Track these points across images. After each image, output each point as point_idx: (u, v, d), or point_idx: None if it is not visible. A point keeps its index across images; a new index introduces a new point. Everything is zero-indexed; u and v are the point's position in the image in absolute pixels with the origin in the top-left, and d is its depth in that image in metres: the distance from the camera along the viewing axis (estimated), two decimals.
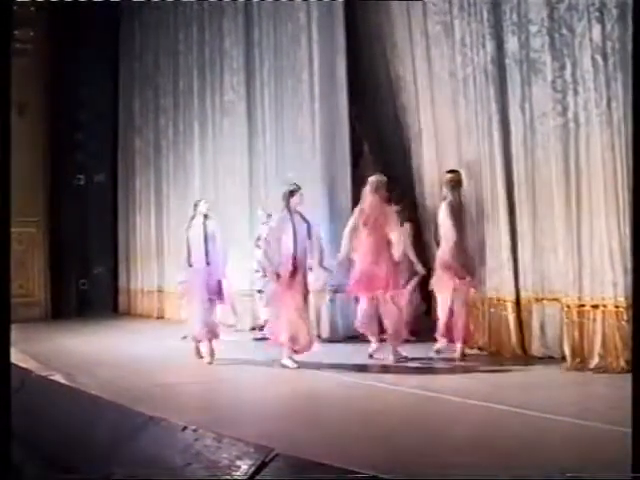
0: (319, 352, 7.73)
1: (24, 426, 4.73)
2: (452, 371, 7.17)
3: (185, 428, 4.15)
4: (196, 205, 8.56)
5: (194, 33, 12.81)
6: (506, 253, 7.73)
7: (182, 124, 13.31)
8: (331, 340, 9.27)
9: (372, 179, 7.87)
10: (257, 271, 9.78)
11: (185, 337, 8.78)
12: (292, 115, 10.59)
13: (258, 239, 9.64)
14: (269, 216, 9.75)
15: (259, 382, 7.19)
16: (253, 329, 10.62)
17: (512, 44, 7.64)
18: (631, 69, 4.98)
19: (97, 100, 14.83)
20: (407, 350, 7.76)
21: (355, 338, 8.76)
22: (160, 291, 13.73)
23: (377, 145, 11.04)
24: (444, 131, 8.73)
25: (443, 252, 7.60)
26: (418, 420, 5.38)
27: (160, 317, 13.60)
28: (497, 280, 7.86)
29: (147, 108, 14.40)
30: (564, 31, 7.00)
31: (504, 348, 7.73)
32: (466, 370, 7.11)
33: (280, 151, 10.88)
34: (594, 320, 6.77)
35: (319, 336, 8.93)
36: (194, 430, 4.10)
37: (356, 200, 9.88)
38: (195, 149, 12.85)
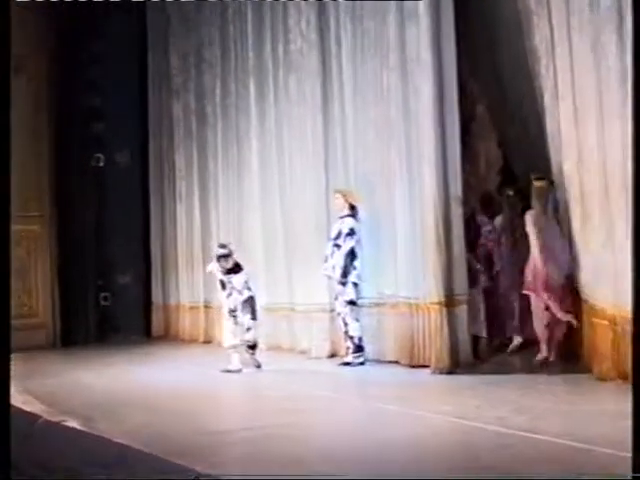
0: None
1: None
2: None
3: None
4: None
5: None
6: None
7: (234, 83, 13.43)
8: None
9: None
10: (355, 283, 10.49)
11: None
12: (375, 68, 10.66)
13: (337, 237, 10.43)
14: (353, 208, 10.36)
15: (346, 425, 7.20)
16: (332, 356, 11.12)
17: None
18: (631, 68, 5.53)
19: (118, 55, 15.00)
20: None
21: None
22: (208, 307, 13.90)
23: (496, 103, 10.94)
24: (584, 83, 8.51)
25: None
26: None
27: (207, 341, 13.75)
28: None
29: (187, 62, 14.58)
30: None
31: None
32: None
33: (361, 116, 10.96)
34: None
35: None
36: None
37: (466, 181, 10.11)
38: (252, 116, 12.92)
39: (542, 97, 9.48)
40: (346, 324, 10.44)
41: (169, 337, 14.83)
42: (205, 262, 13.75)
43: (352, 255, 10.40)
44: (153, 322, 15.37)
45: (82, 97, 14.85)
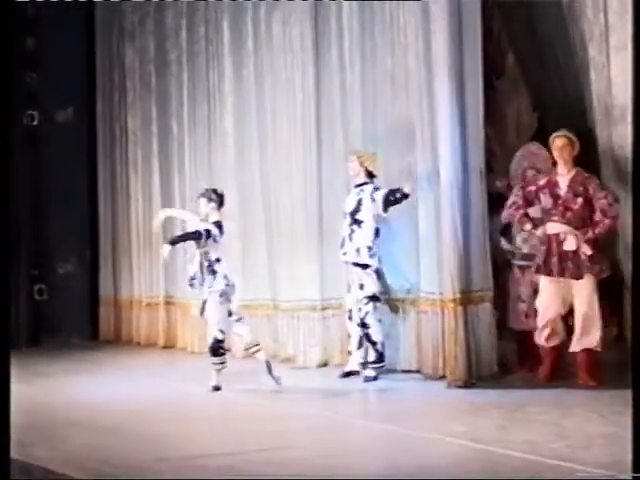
0: None
1: None
2: None
3: None
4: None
5: None
6: None
7: (203, 24, 13.42)
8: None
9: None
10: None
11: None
12: (385, 16, 10.72)
13: (357, 210, 10.24)
14: (371, 176, 10.33)
15: (341, 450, 7.19)
16: (324, 365, 11.25)
17: None
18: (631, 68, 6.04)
19: None
20: None
21: None
22: (169, 303, 13.99)
23: (529, 53, 10.96)
24: None
25: None
26: None
27: (169, 346, 13.83)
28: None
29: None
30: None
31: None
32: None
33: (369, 66, 10.96)
34: None
35: None
36: None
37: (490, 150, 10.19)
38: (226, 66, 12.93)
39: (586, 46, 9.49)
40: (366, 326, 10.25)
41: (120, 341, 14.84)
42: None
43: (377, 234, 10.27)
44: (101, 322, 15.40)
45: (13, 37, 14.72)
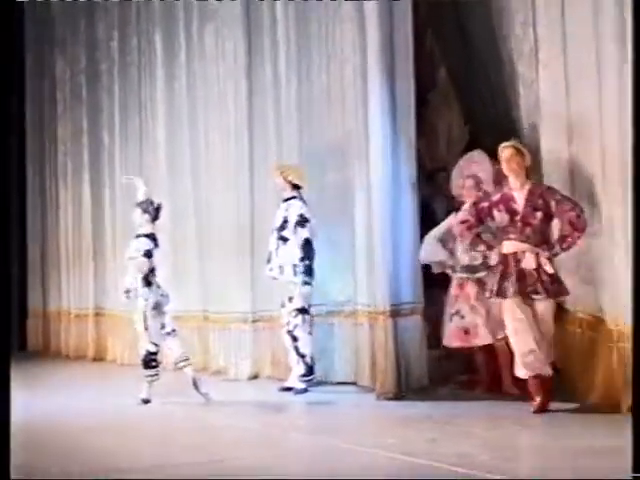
0: None
1: None
2: None
3: None
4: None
5: None
6: None
7: (135, 35, 13.37)
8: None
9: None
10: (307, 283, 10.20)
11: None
12: (322, 18, 10.73)
13: (283, 226, 10.22)
14: (297, 188, 10.29)
15: (264, 463, 7.13)
16: (254, 377, 11.25)
17: None
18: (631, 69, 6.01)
19: None
20: None
21: None
22: (99, 314, 13.93)
23: (461, 67, 11.04)
24: (577, 47, 8.65)
25: None
26: None
27: (99, 358, 13.75)
28: None
29: (74, 5, 14.38)
30: None
31: None
32: None
33: (305, 79, 10.98)
34: None
35: None
36: None
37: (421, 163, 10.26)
38: (158, 78, 12.90)
39: (515, 62, 9.55)
40: (296, 338, 10.23)
41: (49, 352, 14.72)
42: (98, 260, 13.78)
43: (307, 248, 10.15)
44: (28, 333, 15.27)
45: None
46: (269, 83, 11.40)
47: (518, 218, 8.51)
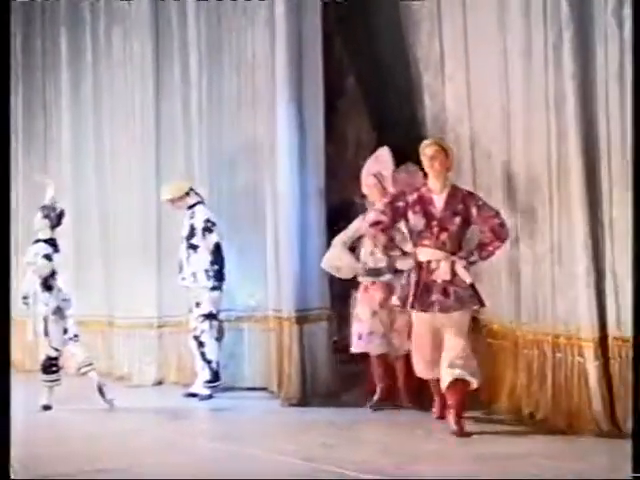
0: None
1: None
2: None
3: None
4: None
5: None
6: (584, 262, 7.75)
7: (39, 36, 13.15)
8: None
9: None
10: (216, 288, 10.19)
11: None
12: (234, 23, 10.73)
13: (191, 234, 10.16)
14: (196, 194, 10.29)
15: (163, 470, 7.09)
16: (159, 383, 11.18)
17: None
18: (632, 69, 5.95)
19: None
20: None
21: None
22: None
23: (369, 75, 11.08)
24: (481, 57, 8.72)
25: None
26: None
27: None
28: (564, 307, 7.93)
29: None
30: None
31: (581, 421, 7.78)
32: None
33: (216, 84, 10.96)
34: None
35: None
36: None
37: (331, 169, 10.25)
38: (63, 81, 12.65)
39: (422, 72, 9.60)
40: (202, 344, 10.18)
41: None
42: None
43: (217, 253, 10.14)
44: None
45: None
46: (177, 86, 11.32)
47: (435, 223, 7.88)
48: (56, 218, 9.81)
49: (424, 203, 7.93)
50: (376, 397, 9.18)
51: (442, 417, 8.23)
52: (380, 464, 6.73)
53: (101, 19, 12.10)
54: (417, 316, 8.08)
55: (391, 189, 8.93)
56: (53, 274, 9.64)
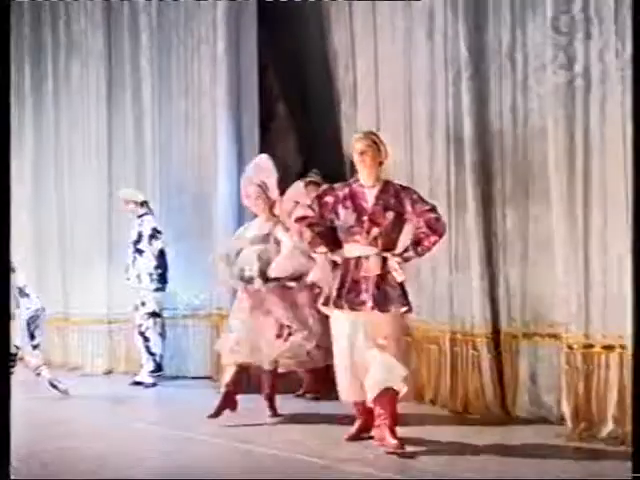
0: None
1: None
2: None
3: None
4: None
5: None
6: (477, 267, 7.82)
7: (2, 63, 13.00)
8: None
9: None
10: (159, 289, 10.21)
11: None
12: (182, 56, 10.81)
13: (139, 240, 10.18)
14: (145, 205, 10.29)
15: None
16: (109, 372, 11.17)
17: None
18: (631, 70, 5.68)
19: None
20: None
21: None
22: None
23: (298, 104, 11.10)
24: (389, 88, 8.76)
25: None
26: None
27: None
28: (463, 306, 8.01)
29: None
30: None
31: (474, 405, 7.85)
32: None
33: (165, 109, 10.99)
34: (607, 367, 6.85)
35: None
36: None
37: None
38: (27, 106, 12.45)
39: (340, 101, 9.66)
40: (147, 339, 10.19)
41: None
42: None
43: (162, 258, 10.16)
44: None
45: None
46: (129, 108, 11.28)
47: (366, 217, 6.68)
48: None
49: (355, 198, 6.75)
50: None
51: (356, 438, 6.97)
52: (307, 445, 6.75)
53: (62, 49, 12.00)
54: (338, 319, 6.82)
55: (275, 196, 8.21)
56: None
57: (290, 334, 7.94)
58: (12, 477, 5.48)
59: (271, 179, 8.19)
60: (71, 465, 6.50)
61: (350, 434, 6.97)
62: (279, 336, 7.90)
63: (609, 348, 6.86)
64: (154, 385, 10.05)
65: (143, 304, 10.12)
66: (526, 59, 7.63)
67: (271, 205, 8.19)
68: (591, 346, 6.95)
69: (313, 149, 11.00)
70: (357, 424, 7.01)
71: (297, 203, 7.81)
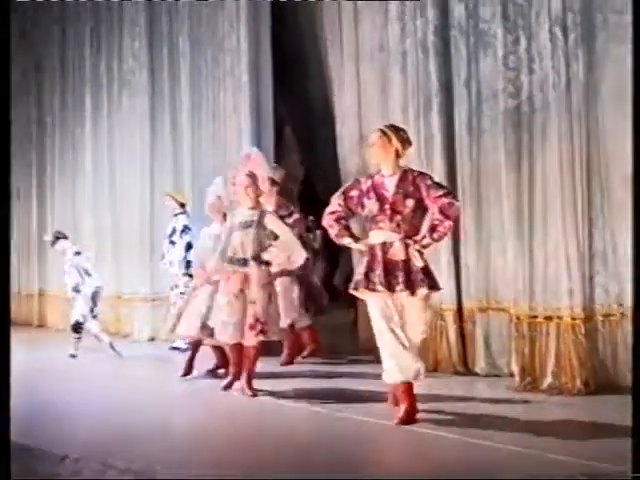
0: None
1: None
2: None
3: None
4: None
5: None
6: (446, 255, 7.83)
7: (71, 96, 13.06)
8: None
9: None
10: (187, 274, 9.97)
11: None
12: (212, 89, 10.71)
13: (172, 234, 10.03)
14: (183, 206, 10.17)
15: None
16: (153, 339, 11.12)
17: (458, 12, 7.74)
18: (631, 70, 5.41)
19: None
20: None
21: None
22: (42, 294, 13.58)
23: (301, 127, 11.12)
24: (371, 113, 8.76)
25: None
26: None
27: (41, 325, 13.42)
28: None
29: (27, 76, 13.98)
30: None
31: (443, 364, 7.86)
32: None
33: (196, 130, 10.91)
34: (547, 334, 6.91)
35: None
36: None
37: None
38: (87, 126, 12.58)
39: (336, 123, 9.50)
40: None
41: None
42: (41, 255, 13.47)
43: (189, 250, 9.95)
44: None
45: None
46: (167, 131, 11.27)
47: (387, 206, 5.88)
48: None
49: (377, 188, 5.95)
50: (228, 379, 7.27)
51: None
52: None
53: (114, 84, 12.07)
54: (371, 301, 5.96)
55: (264, 188, 7.37)
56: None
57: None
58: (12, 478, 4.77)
59: (261, 171, 7.31)
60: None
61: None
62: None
63: (549, 319, 6.94)
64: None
65: (176, 286, 10.08)
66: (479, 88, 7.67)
67: (258, 195, 7.26)
68: (535, 317, 7.02)
69: (312, 160, 11.00)
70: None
71: (219, 197, 8.14)
